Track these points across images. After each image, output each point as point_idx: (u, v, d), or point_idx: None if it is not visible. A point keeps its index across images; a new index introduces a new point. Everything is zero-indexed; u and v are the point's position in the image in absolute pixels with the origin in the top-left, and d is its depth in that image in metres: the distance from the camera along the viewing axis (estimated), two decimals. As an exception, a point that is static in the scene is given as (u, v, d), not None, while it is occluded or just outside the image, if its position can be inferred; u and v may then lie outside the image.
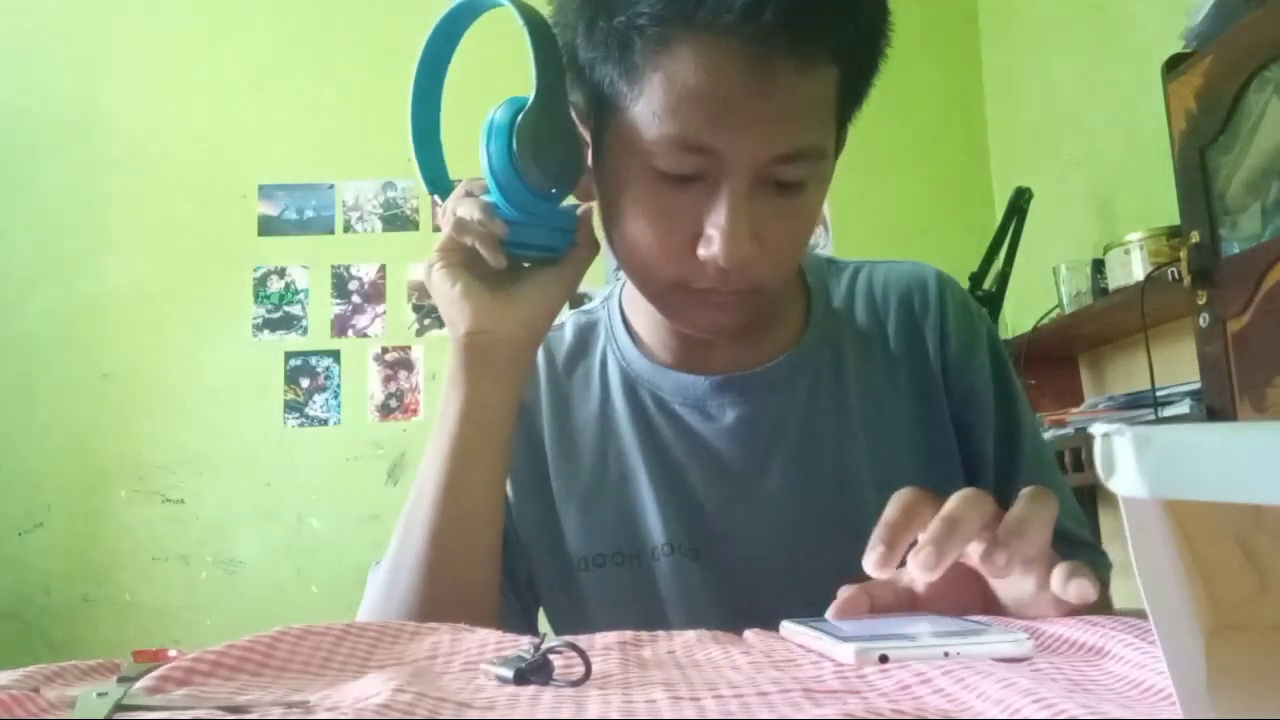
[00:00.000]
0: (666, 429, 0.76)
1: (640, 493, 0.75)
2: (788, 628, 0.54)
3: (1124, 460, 0.24)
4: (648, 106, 0.62)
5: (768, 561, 0.72)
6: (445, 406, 0.70)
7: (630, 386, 0.78)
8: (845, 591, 0.57)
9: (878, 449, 0.76)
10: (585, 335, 0.83)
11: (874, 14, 0.64)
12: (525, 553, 0.78)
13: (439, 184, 0.74)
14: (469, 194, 0.69)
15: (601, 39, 0.63)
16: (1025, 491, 0.55)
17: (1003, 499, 0.77)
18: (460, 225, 0.68)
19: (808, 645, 0.50)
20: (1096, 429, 0.24)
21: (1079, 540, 0.77)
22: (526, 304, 0.69)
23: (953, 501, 0.53)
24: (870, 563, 0.52)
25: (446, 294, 0.69)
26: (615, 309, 0.82)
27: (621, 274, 0.76)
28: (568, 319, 0.84)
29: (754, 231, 0.63)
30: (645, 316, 0.80)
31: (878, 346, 0.79)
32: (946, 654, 0.44)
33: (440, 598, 0.67)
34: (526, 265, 0.71)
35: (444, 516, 0.68)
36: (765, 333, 0.78)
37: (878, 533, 0.54)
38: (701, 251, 0.64)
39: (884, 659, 0.44)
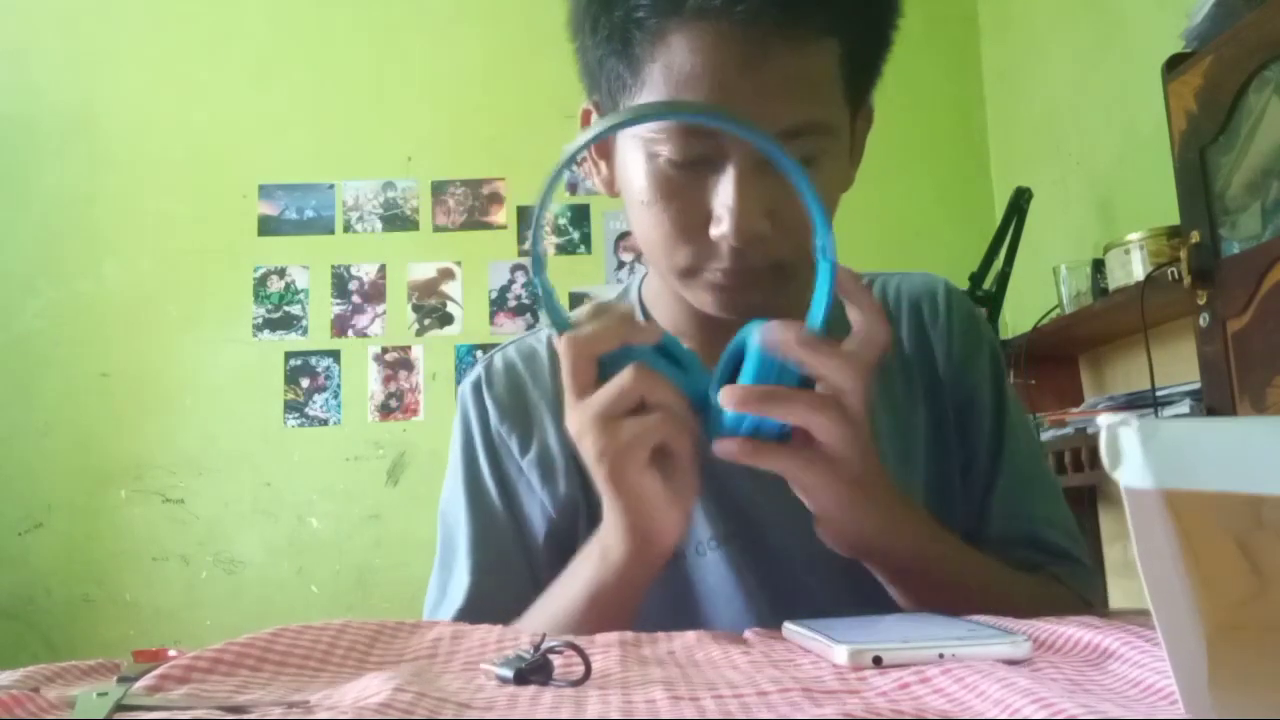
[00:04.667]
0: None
1: None
2: (789, 628, 0.54)
3: (1130, 451, 0.24)
4: (650, 97, 0.64)
5: (802, 547, 0.68)
6: (584, 604, 0.64)
7: None
8: None
9: (894, 441, 0.77)
10: None
11: None
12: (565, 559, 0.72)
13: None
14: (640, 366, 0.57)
15: (605, 34, 0.65)
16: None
17: (986, 496, 0.77)
18: (660, 422, 0.56)
19: (805, 647, 0.50)
20: (1103, 420, 0.24)
21: (1059, 552, 0.76)
22: (682, 511, 0.61)
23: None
24: None
25: (643, 500, 0.59)
26: (635, 303, 0.82)
27: (633, 271, 0.77)
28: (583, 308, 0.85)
29: (765, 208, 0.63)
30: (667, 310, 0.79)
31: (893, 351, 0.79)
32: (941, 655, 0.44)
33: None
34: None
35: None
36: None
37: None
38: (713, 231, 0.65)
39: (878, 661, 0.44)
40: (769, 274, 0.67)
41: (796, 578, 0.74)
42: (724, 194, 0.63)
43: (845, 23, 0.63)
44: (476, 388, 0.81)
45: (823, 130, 0.65)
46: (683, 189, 0.65)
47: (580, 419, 0.57)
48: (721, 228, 0.64)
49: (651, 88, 0.63)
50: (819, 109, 0.64)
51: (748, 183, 0.63)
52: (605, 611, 0.63)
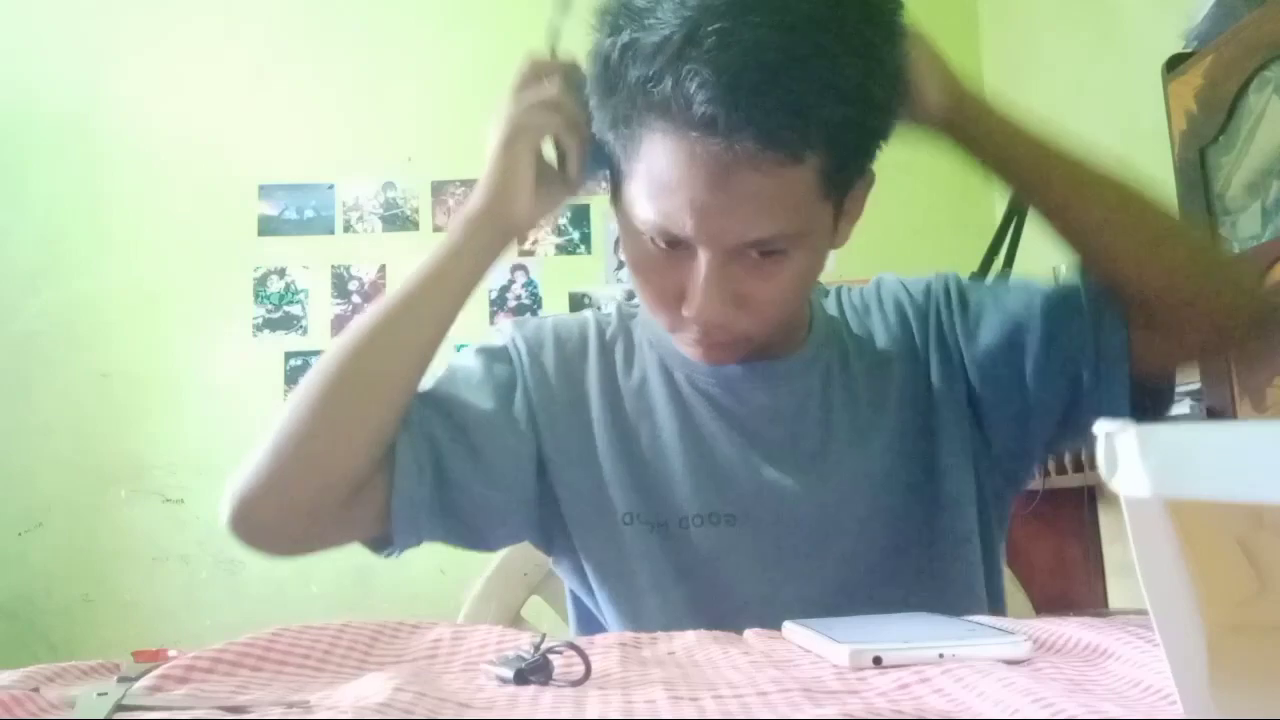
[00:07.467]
0: (702, 408, 0.83)
1: (672, 468, 0.81)
2: (789, 628, 0.54)
3: (1127, 459, 0.24)
4: (636, 188, 0.69)
5: (798, 519, 0.79)
6: (432, 258, 0.75)
7: (666, 371, 0.84)
8: None
9: (883, 419, 0.83)
10: (626, 323, 0.90)
11: (859, 103, 0.64)
12: (554, 501, 0.80)
13: None
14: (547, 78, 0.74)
15: (608, 112, 0.69)
16: None
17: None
18: (568, 117, 0.73)
19: (805, 647, 0.50)
20: (1100, 427, 0.24)
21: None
22: (547, 203, 0.77)
23: None
24: None
25: (514, 169, 0.75)
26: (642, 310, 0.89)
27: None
28: (613, 307, 0.93)
29: (732, 294, 0.70)
30: None
31: (868, 345, 0.87)
32: (941, 655, 0.44)
33: (336, 420, 0.72)
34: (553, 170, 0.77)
35: (374, 339, 0.73)
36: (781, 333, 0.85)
37: None
38: (685, 310, 0.72)
39: (878, 661, 0.44)
40: (736, 342, 0.75)
41: (792, 544, 0.79)
42: (695, 280, 0.69)
43: (827, 143, 0.64)
44: (519, 325, 0.88)
45: (795, 236, 0.68)
46: (664, 267, 0.72)
47: (504, 98, 0.74)
48: (690, 310, 0.71)
49: (638, 180, 0.69)
50: (790, 223, 0.67)
51: (714, 274, 0.69)
52: (443, 276, 0.74)
